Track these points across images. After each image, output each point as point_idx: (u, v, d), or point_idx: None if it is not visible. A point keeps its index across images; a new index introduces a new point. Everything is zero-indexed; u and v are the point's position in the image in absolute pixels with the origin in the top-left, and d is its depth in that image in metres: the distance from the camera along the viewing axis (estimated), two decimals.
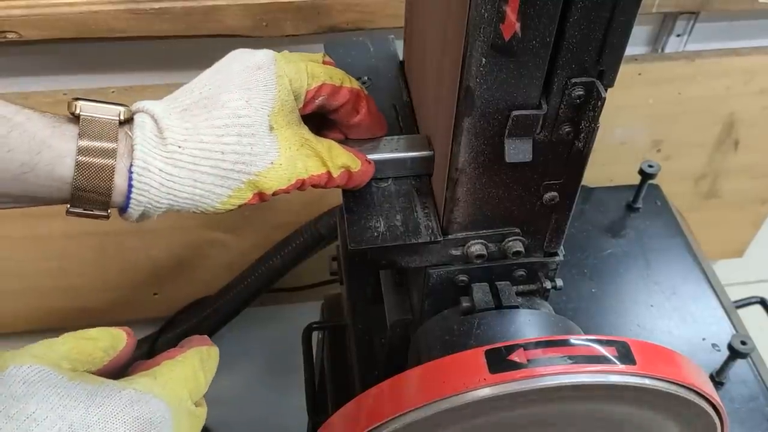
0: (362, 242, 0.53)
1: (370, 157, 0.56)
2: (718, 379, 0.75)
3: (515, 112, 0.46)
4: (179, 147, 0.46)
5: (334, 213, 1.04)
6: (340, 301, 0.93)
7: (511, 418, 0.48)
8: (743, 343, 0.72)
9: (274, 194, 0.50)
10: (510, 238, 0.55)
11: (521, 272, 0.58)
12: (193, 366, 0.46)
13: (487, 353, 0.45)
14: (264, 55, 0.51)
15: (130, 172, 0.45)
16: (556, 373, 0.43)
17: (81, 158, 0.44)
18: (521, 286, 0.58)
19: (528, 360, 0.44)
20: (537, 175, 0.51)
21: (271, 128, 0.49)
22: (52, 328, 1.29)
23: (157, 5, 0.85)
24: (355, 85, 0.55)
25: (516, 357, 0.44)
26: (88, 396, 0.39)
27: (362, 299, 0.78)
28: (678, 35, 1.08)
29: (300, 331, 0.85)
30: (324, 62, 0.56)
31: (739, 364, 0.74)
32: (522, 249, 0.55)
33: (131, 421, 0.39)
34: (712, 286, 0.83)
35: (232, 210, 0.50)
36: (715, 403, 0.48)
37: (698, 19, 1.06)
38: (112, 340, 0.46)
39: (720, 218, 1.35)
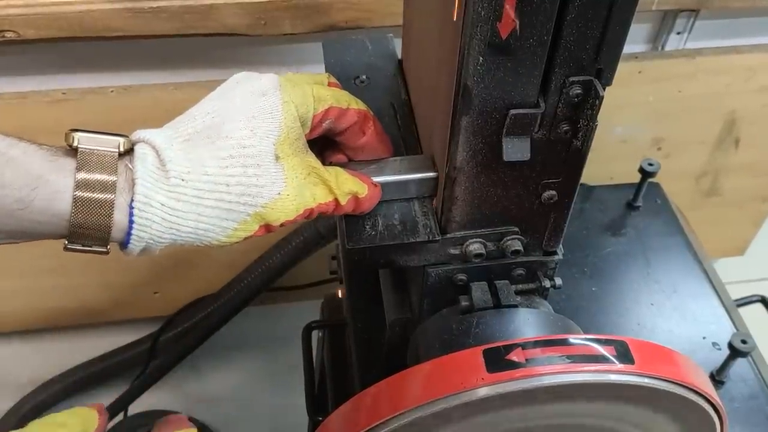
0: (360, 241, 0.53)
1: (375, 180, 0.54)
2: (718, 377, 0.75)
3: (513, 111, 0.46)
4: (182, 180, 0.44)
5: None
6: (340, 300, 0.93)
7: (510, 418, 0.47)
8: (744, 341, 0.71)
9: (281, 225, 0.49)
10: (508, 237, 0.55)
11: (520, 271, 0.58)
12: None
13: (486, 352, 0.45)
14: (269, 80, 0.49)
15: (131, 207, 0.43)
16: (554, 373, 0.43)
17: (79, 193, 0.42)
18: (520, 285, 0.58)
19: (526, 359, 0.44)
20: (535, 174, 0.51)
21: (277, 158, 0.47)
22: (52, 328, 1.30)
23: (155, 4, 0.85)
24: (362, 106, 0.54)
25: (514, 356, 0.44)
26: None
27: (362, 298, 0.78)
28: (678, 33, 1.08)
29: (300, 329, 0.85)
30: (329, 84, 0.55)
31: (740, 363, 0.74)
32: (521, 248, 0.55)
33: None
34: (712, 285, 0.83)
35: (238, 243, 0.48)
36: (714, 402, 0.48)
37: (698, 17, 1.06)
38: (83, 424, 0.45)
39: (721, 216, 1.35)
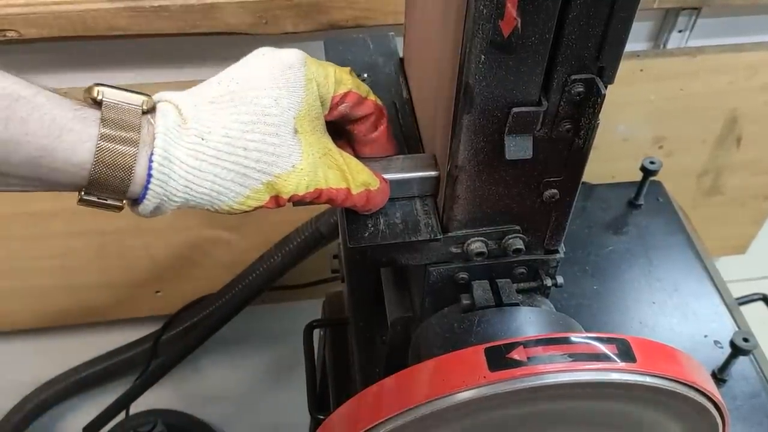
0: (362, 240, 0.53)
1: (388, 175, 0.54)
2: (720, 376, 0.74)
3: (515, 109, 0.46)
4: (202, 139, 0.45)
5: (334, 211, 1.04)
6: (341, 299, 0.93)
7: (512, 416, 0.47)
8: (745, 340, 0.71)
9: (290, 200, 0.49)
10: (510, 236, 0.55)
11: (522, 270, 0.58)
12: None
13: (487, 351, 0.45)
14: (295, 54, 0.49)
15: (150, 161, 0.43)
16: (556, 371, 0.43)
17: (102, 143, 0.42)
18: (522, 284, 0.58)
19: (528, 358, 0.44)
20: (537, 173, 0.51)
21: (296, 131, 0.48)
22: (53, 327, 1.30)
23: (156, 3, 0.85)
24: (379, 101, 0.54)
25: (516, 355, 0.44)
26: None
27: (363, 297, 0.78)
28: (680, 31, 1.07)
29: (301, 328, 0.85)
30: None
31: (742, 361, 0.74)
32: (522, 246, 0.55)
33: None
34: (714, 283, 0.83)
35: (246, 212, 0.48)
36: (716, 400, 0.47)
37: (700, 15, 1.05)
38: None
39: (722, 215, 1.34)
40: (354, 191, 0.50)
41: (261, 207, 0.48)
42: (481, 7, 0.40)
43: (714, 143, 1.20)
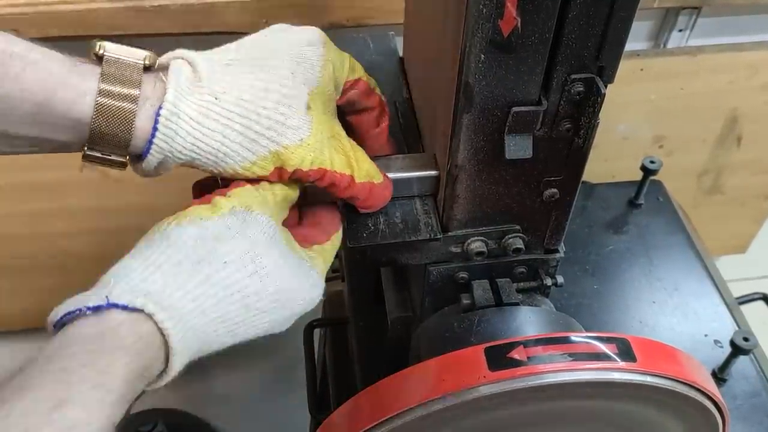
0: (362, 240, 0.53)
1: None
2: (720, 375, 0.74)
3: (515, 109, 0.46)
4: (216, 99, 0.44)
5: None
6: (341, 298, 0.93)
7: (512, 416, 0.47)
8: (746, 339, 0.71)
9: (293, 175, 0.48)
10: (510, 235, 0.55)
11: (522, 269, 0.58)
12: (336, 249, 0.52)
13: (487, 350, 0.45)
14: (315, 33, 0.49)
15: (157, 115, 0.42)
16: (556, 371, 0.43)
17: (101, 98, 0.41)
18: (522, 283, 0.58)
19: (528, 357, 0.44)
20: (537, 172, 0.51)
21: (309, 107, 0.47)
22: None
23: (156, 3, 0.85)
24: (384, 99, 0.55)
25: (516, 354, 0.44)
26: (297, 267, 0.47)
27: (363, 296, 0.78)
28: (680, 30, 1.07)
29: (301, 328, 0.85)
30: None
31: (742, 361, 0.74)
32: (522, 246, 0.55)
33: (309, 300, 0.49)
34: (714, 283, 0.83)
35: (250, 178, 0.47)
36: (716, 399, 0.47)
37: (700, 14, 1.06)
38: (300, 188, 0.50)
39: (722, 214, 1.34)
40: (357, 180, 0.50)
41: (265, 178, 0.47)
42: (481, 6, 0.40)
43: (714, 143, 1.20)
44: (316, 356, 0.86)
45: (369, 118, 0.54)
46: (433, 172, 0.54)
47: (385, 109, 0.55)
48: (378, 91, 0.54)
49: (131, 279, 0.42)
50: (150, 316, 0.40)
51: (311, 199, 0.53)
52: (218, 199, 0.45)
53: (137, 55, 0.44)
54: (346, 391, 0.79)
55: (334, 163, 0.48)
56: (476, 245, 0.54)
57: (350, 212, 0.54)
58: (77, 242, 1.14)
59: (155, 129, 0.43)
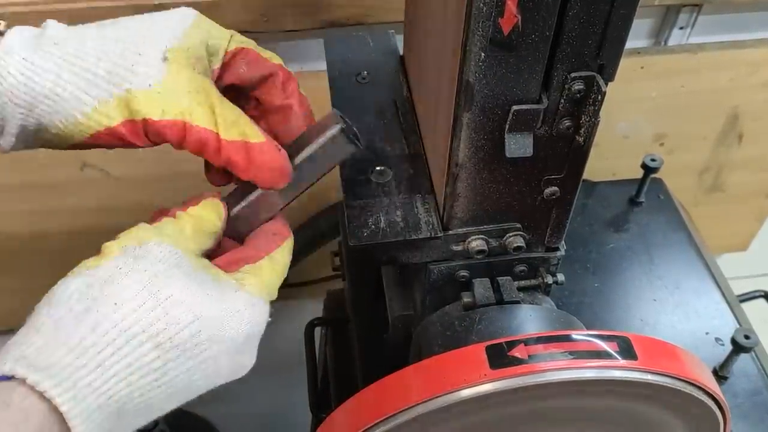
0: (363, 238, 0.53)
1: (297, 160, 0.48)
2: (721, 373, 0.74)
3: (515, 107, 0.46)
4: (55, 43, 0.43)
5: (335, 209, 1.04)
6: (342, 297, 0.93)
7: (513, 414, 0.47)
8: (747, 337, 0.71)
9: (146, 126, 0.44)
10: (511, 234, 0.55)
11: (522, 267, 0.58)
12: (285, 265, 0.49)
13: (488, 349, 0.45)
14: (186, 8, 0.48)
15: None
16: (557, 369, 0.43)
17: None
18: (522, 282, 0.58)
19: (529, 355, 0.44)
20: (537, 170, 0.51)
21: (165, 59, 0.45)
22: None
23: (157, 1, 0.85)
24: (286, 68, 0.51)
25: (517, 352, 0.44)
26: (217, 290, 0.42)
27: (364, 295, 0.78)
28: (681, 28, 1.07)
29: (302, 326, 0.85)
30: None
31: (743, 359, 0.74)
32: (523, 244, 0.55)
33: (246, 323, 0.43)
34: (715, 280, 0.83)
35: (97, 131, 0.44)
36: (717, 397, 0.47)
37: (701, 12, 1.05)
38: (216, 215, 0.46)
39: (723, 212, 1.34)
40: (224, 136, 0.45)
41: (117, 133, 0.44)
42: (482, 5, 0.40)
43: (715, 140, 1.20)
44: (317, 355, 0.86)
45: (272, 87, 0.50)
46: (334, 129, 0.48)
47: (289, 74, 0.50)
48: (278, 60, 0.50)
49: (8, 347, 0.39)
50: (23, 380, 0.36)
51: (251, 226, 0.49)
52: (106, 245, 0.43)
53: None
54: (347, 390, 0.79)
55: (193, 115, 0.44)
56: (477, 243, 0.54)
57: (351, 210, 0.54)
58: (78, 241, 1.14)
59: None
